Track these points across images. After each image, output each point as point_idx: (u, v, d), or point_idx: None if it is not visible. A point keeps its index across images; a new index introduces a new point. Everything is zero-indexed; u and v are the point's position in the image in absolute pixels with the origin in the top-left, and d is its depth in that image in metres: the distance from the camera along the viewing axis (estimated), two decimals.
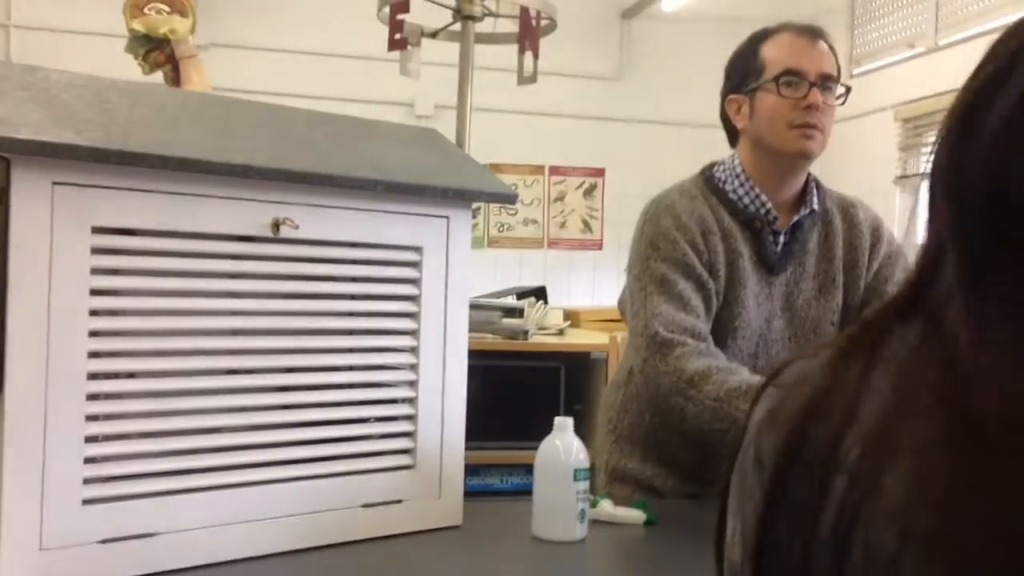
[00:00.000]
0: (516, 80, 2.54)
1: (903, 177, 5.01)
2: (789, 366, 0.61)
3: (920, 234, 5.16)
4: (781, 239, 1.62)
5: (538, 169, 5.73)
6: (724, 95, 1.66)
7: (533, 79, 2.51)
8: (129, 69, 2.47)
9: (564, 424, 1.34)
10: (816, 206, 1.65)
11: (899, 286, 0.60)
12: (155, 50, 2.36)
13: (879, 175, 5.02)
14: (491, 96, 4.07)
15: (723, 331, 1.58)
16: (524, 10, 2.39)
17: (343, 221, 1.25)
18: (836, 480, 0.51)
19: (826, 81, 1.56)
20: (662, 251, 1.57)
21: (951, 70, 4.61)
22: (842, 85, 1.59)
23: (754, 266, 1.60)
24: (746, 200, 1.61)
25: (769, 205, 1.60)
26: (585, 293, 5.52)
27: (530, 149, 5.62)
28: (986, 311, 0.52)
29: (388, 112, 5.10)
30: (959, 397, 0.50)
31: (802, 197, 1.65)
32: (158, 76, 2.43)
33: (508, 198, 1.41)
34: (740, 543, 0.59)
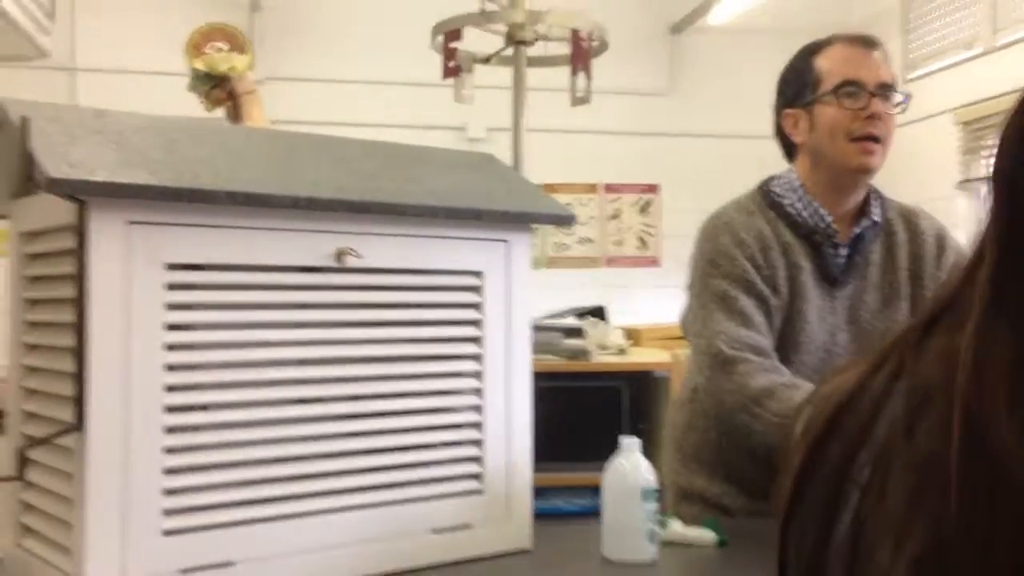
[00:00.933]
0: (569, 101, 2.55)
1: (966, 181, 4.90)
2: (826, 383, 0.61)
3: None
4: (843, 252, 1.60)
5: (592, 188, 5.73)
6: (778, 110, 1.65)
7: (586, 100, 2.52)
8: (190, 106, 2.54)
9: (631, 444, 1.34)
10: (877, 217, 1.63)
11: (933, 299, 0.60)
12: (216, 87, 2.42)
13: (941, 180, 4.92)
14: (542, 116, 4.08)
15: (787, 346, 1.56)
16: (575, 32, 2.41)
17: (404, 248, 1.27)
18: (851, 492, 0.52)
19: (885, 90, 1.54)
20: (722, 268, 1.56)
21: (1011, 70, 4.52)
22: (901, 93, 1.57)
23: (816, 280, 1.59)
24: (805, 214, 1.59)
25: (829, 219, 1.58)
26: (644, 311, 5.48)
27: (583, 168, 5.62)
28: (998, 329, 0.51)
29: (441, 137, 5.15)
30: (963, 416, 0.49)
31: (863, 209, 1.63)
32: (218, 111, 2.49)
33: (566, 220, 1.42)
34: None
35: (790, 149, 1.66)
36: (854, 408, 0.54)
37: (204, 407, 1.16)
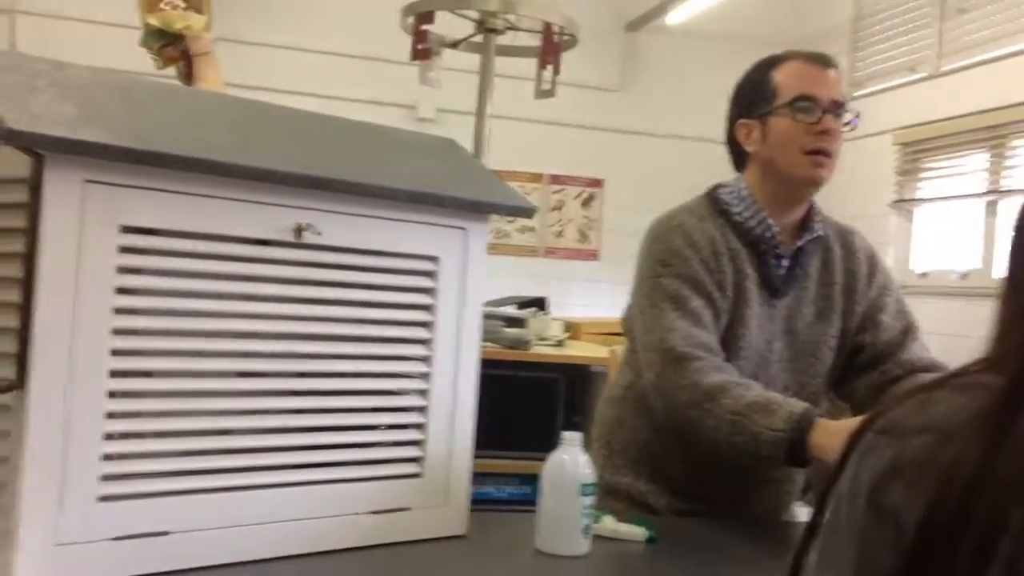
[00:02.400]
0: (532, 92, 2.55)
1: (900, 201, 5.04)
2: (894, 410, 0.59)
3: (914, 260, 5.12)
4: (784, 263, 1.65)
5: (537, 177, 5.75)
6: (732, 119, 1.68)
7: (551, 93, 2.52)
8: (139, 61, 2.48)
9: (572, 438, 1.35)
10: (820, 232, 1.68)
11: None
12: (169, 45, 2.37)
13: (875, 198, 5.05)
14: (494, 103, 4.08)
15: (726, 351, 1.59)
16: (547, 25, 2.40)
17: (362, 229, 1.26)
18: (1001, 541, 0.50)
19: (837, 107, 1.58)
20: (674, 267, 1.58)
21: (952, 96, 4.66)
22: (851, 112, 1.62)
23: (759, 288, 1.63)
24: (752, 223, 1.63)
25: (776, 229, 1.62)
26: (580, 304, 5.53)
27: (530, 157, 5.63)
28: None
29: (390, 113, 5.12)
30: None
31: (805, 223, 1.67)
32: (170, 70, 2.43)
33: (526, 211, 1.42)
34: None
35: (740, 158, 1.69)
36: (1002, 453, 0.52)
37: (148, 374, 1.14)
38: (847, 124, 1.61)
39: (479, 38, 2.51)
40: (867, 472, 0.57)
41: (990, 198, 4.48)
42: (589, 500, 1.33)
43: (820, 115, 1.56)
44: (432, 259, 1.34)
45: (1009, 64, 4.31)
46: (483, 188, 1.39)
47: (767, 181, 1.63)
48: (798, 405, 1.42)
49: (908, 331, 1.70)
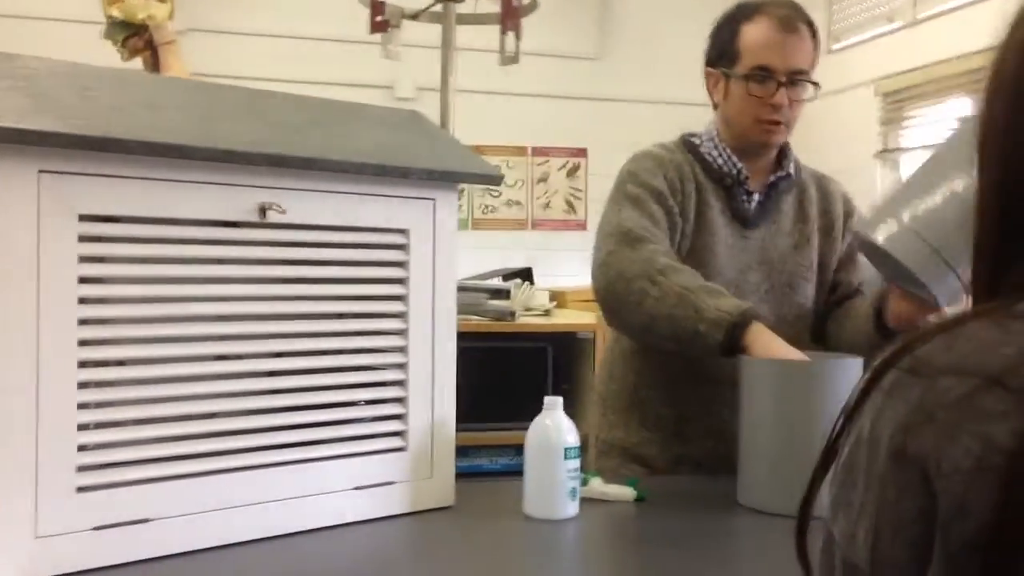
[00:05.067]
0: (499, 61, 2.53)
1: (884, 151, 5.03)
2: (921, 346, 0.55)
3: None
4: (756, 198, 1.70)
5: (520, 150, 5.72)
6: (705, 62, 1.72)
7: (515, 59, 2.51)
8: (107, 55, 2.45)
9: (554, 403, 1.35)
10: (791, 171, 1.72)
11: None
12: (133, 36, 2.34)
13: (860, 150, 5.04)
14: (472, 78, 4.04)
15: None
16: None
17: (329, 205, 1.25)
18: None
19: (796, 76, 1.61)
20: (639, 178, 1.64)
21: (930, 43, 4.63)
22: (811, 82, 1.64)
23: (727, 219, 1.67)
24: (719, 161, 1.68)
25: (740, 165, 1.68)
26: (570, 274, 5.52)
27: (512, 130, 5.60)
28: None
29: (369, 95, 5.07)
30: None
31: (776, 163, 1.73)
32: (137, 63, 2.41)
33: (493, 179, 1.41)
34: (885, 545, 0.54)
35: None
36: None
37: (120, 362, 1.13)
38: (812, 96, 1.64)
39: (439, 8, 2.49)
40: (891, 413, 0.54)
41: None
42: (574, 463, 1.33)
43: (775, 88, 1.60)
44: (402, 231, 1.33)
45: (984, 8, 4.28)
46: (449, 158, 1.38)
47: (730, 131, 1.69)
48: (746, 303, 1.48)
49: None
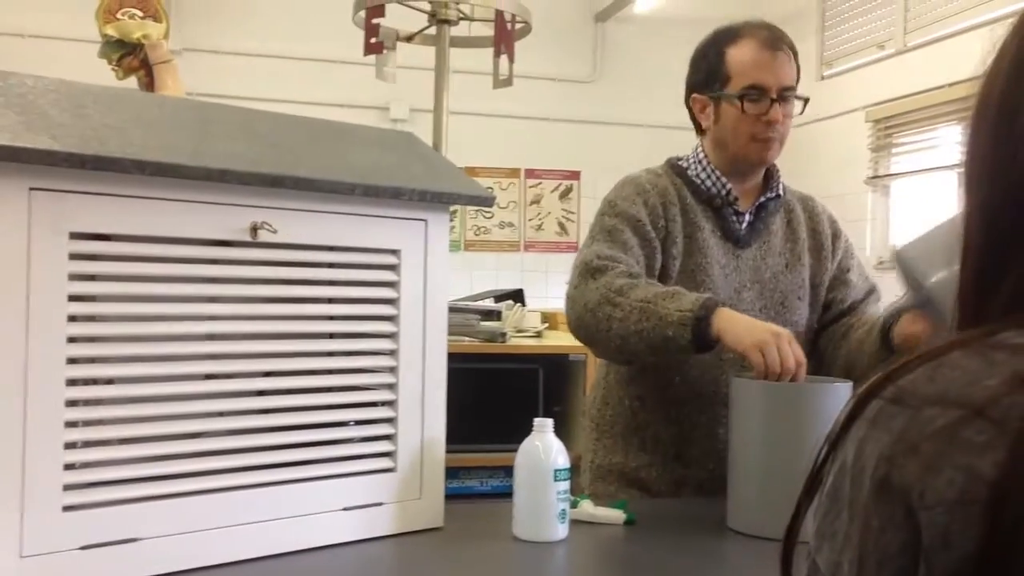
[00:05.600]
0: (492, 83, 2.55)
1: (875, 177, 5.06)
2: (905, 375, 0.54)
3: (893, 235, 5.12)
4: (746, 219, 1.72)
5: (514, 172, 5.74)
6: (688, 88, 1.74)
7: (509, 82, 2.52)
8: (103, 74, 2.46)
9: (544, 425, 1.35)
10: (780, 191, 1.75)
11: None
12: (129, 55, 2.34)
13: (851, 176, 5.07)
14: (466, 100, 4.08)
15: None
16: (499, 13, 2.40)
17: (321, 225, 1.26)
18: None
19: (786, 92, 1.64)
20: (617, 208, 1.66)
21: (920, 71, 4.67)
22: (799, 98, 1.68)
23: (719, 240, 1.69)
24: (708, 183, 1.70)
25: (729, 186, 1.70)
26: (562, 296, 5.53)
27: (505, 152, 5.63)
28: None
29: (363, 116, 5.10)
30: None
31: (765, 185, 1.75)
32: (132, 81, 2.41)
33: (485, 200, 1.42)
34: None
35: (698, 124, 1.75)
36: None
37: (109, 381, 1.13)
38: (801, 99, 1.68)
39: (433, 30, 2.50)
40: (875, 443, 0.53)
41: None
42: (564, 485, 1.33)
43: (768, 105, 1.63)
44: (393, 252, 1.33)
45: (974, 36, 4.33)
46: (441, 179, 1.39)
47: (720, 154, 1.70)
48: (704, 294, 1.50)
49: (872, 291, 1.82)
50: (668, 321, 1.46)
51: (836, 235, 1.81)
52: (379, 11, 2.33)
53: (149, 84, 2.37)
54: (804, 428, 1.37)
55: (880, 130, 5.02)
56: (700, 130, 1.74)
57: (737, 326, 1.44)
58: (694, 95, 1.71)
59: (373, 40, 2.29)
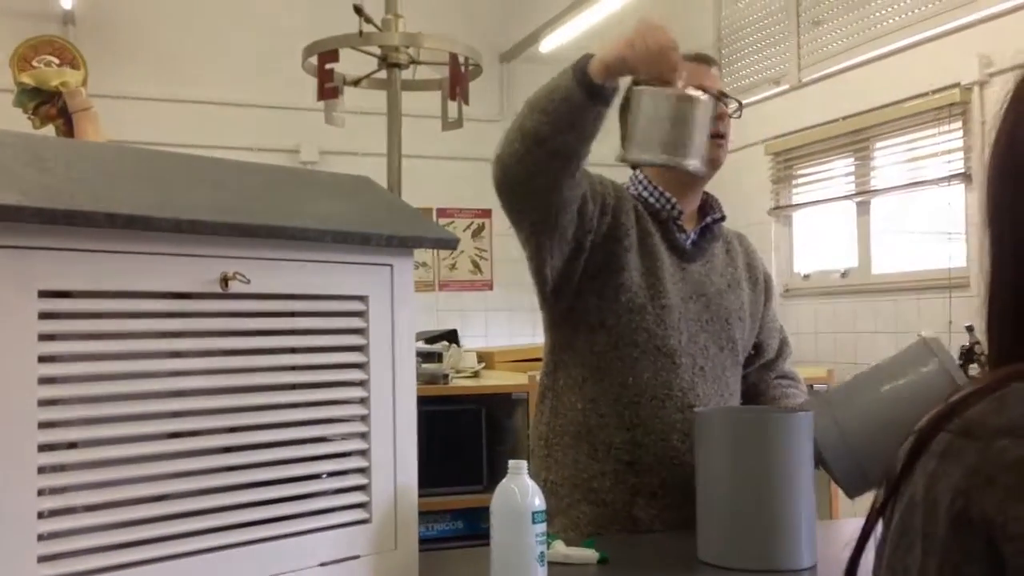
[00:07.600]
0: (440, 126, 2.55)
1: (776, 208, 5.24)
2: (970, 407, 0.55)
3: (797, 263, 5.29)
4: (691, 236, 1.77)
5: (426, 212, 5.73)
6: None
7: (459, 124, 2.53)
8: (18, 124, 2.36)
9: (519, 467, 1.34)
10: (720, 214, 1.82)
11: None
12: (46, 104, 2.26)
13: (756, 207, 5.24)
14: (373, 141, 4.06)
15: (651, 305, 1.68)
16: (454, 56, 2.41)
17: (288, 273, 1.23)
18: None
19: (724, 97, 1.73)
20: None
21: (816, 105, 4.88)
22: (735, 99, 1.76)
23: (667, 249, 1.74)
24: (652, 198, 1.75)
25: (674, 200, 1.74)
26: (479, 335, 5.53)
27: (417, 192, 5.56)
28: None
29: (274, 159, 5.02)
30: None
31: (703, 209, 1.82)
32: (49, 130, 2.33)
33: (449, 243, 1.41)
34: None
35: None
36: None
37: (72, 444, 1.07)
38: (733, 113, 1.77)
39: (382, 74, 2.49)
40: (947, 476, 0.54)
41: (860, 199, 4.71)
42: (541, 528, 1.32)
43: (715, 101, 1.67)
44: (361, 298, 1.31)
45: (865, 71, 4.56)
46: (405, 224, 1.38)
47: (664, 173, 1.74)
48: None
49: (785, 343, 1.95)
50: (556, 85, 1.51)
51: (767, 278, 1.90)
52: (333, 56, 2.31)
53: (68, 132, 2.30)
54: (768, 457, 1.41)
55: (780, 163, 5.22)
56: (634, 167, 1.79)
57: (608, 43, 1.48)
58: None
59: (328, 85, 2.26)
